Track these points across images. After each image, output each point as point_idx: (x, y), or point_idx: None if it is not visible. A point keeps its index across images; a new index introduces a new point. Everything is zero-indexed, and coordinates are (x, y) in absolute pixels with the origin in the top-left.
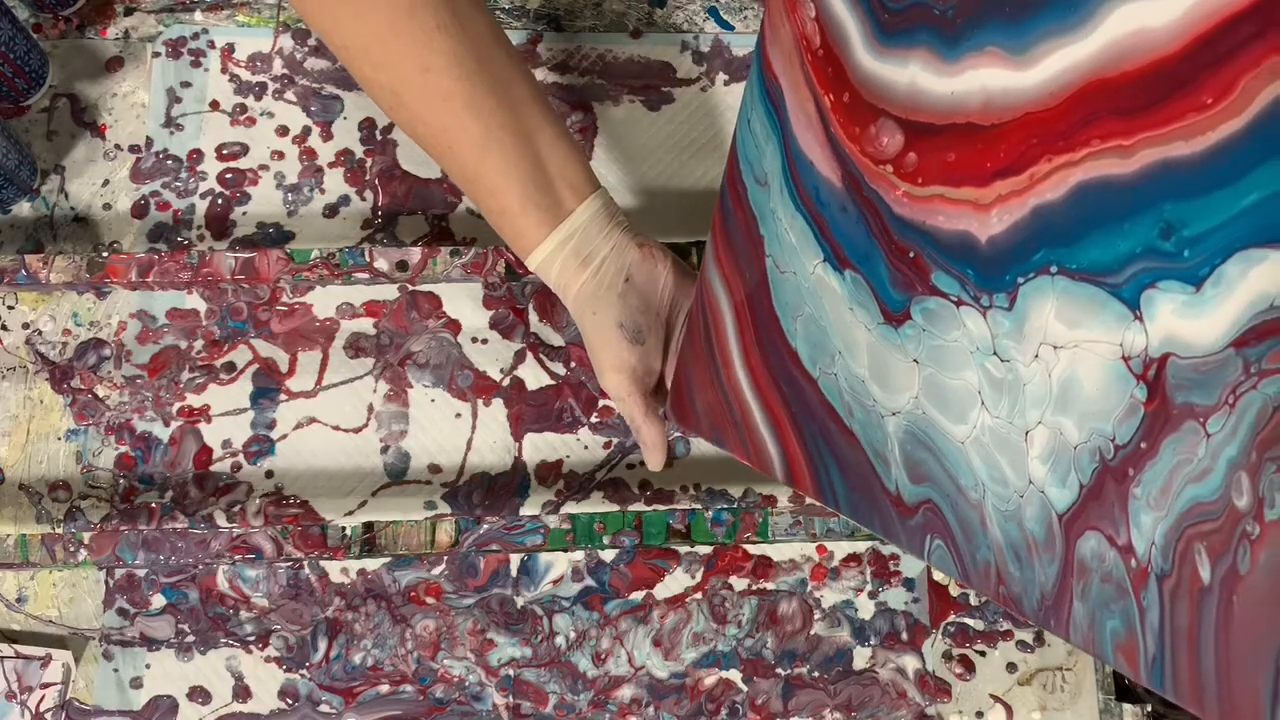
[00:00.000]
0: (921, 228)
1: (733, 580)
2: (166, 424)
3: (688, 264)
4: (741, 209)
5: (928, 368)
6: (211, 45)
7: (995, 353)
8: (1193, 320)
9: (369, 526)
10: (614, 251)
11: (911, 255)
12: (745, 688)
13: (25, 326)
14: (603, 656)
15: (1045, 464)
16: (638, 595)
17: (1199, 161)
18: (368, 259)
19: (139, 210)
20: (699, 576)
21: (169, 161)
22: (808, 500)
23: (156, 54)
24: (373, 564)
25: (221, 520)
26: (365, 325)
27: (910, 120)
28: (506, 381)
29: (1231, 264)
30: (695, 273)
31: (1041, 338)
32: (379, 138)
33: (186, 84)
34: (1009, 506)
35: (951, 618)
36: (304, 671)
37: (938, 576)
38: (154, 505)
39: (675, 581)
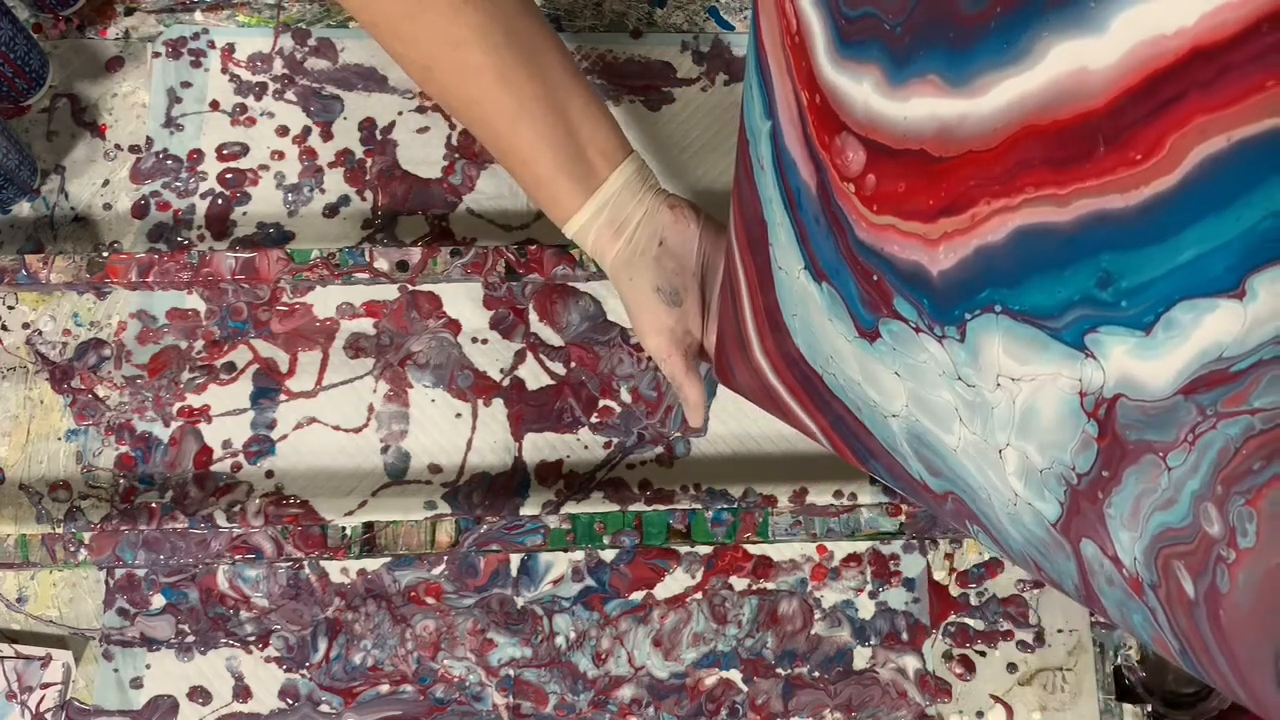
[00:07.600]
0: (881, 254)
1: (733, 580)
2: (166, 424)
3: (720, 221)
4: (751, 186)
5: (909, 382)
6: (211, 45)
7: (960, 378)
8: (1146, 362)
9: (369, 526)
10: (647, 216)
11: (875, 278)
12: (745, 688)
13: (25, 326)
14: (603, 656)
15: (1021, 481)
16: (638, 595)
17: (1134, 216)
18: (368, 259)
19: (139, 210)
20: (699, 576)
21: (169, 161)
22: (807, 500)
23: (156, 54)
24: (373, 564)
25: (221, 520)
26: (365, 325)
27: (870, 139)
28: (506, 381)
29: (1179, 310)
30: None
31: (997, 370)
32: (379, 138)
33: (187, 84)
34: (1011, 510)
35: (952, 618)
36: (304, 671)
37: (938, 576)
38: (154, 505)
39: (675, 581)
